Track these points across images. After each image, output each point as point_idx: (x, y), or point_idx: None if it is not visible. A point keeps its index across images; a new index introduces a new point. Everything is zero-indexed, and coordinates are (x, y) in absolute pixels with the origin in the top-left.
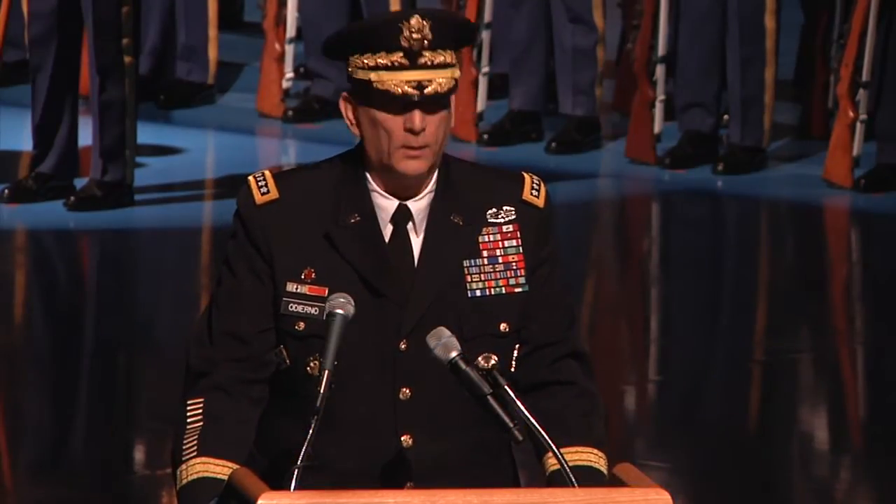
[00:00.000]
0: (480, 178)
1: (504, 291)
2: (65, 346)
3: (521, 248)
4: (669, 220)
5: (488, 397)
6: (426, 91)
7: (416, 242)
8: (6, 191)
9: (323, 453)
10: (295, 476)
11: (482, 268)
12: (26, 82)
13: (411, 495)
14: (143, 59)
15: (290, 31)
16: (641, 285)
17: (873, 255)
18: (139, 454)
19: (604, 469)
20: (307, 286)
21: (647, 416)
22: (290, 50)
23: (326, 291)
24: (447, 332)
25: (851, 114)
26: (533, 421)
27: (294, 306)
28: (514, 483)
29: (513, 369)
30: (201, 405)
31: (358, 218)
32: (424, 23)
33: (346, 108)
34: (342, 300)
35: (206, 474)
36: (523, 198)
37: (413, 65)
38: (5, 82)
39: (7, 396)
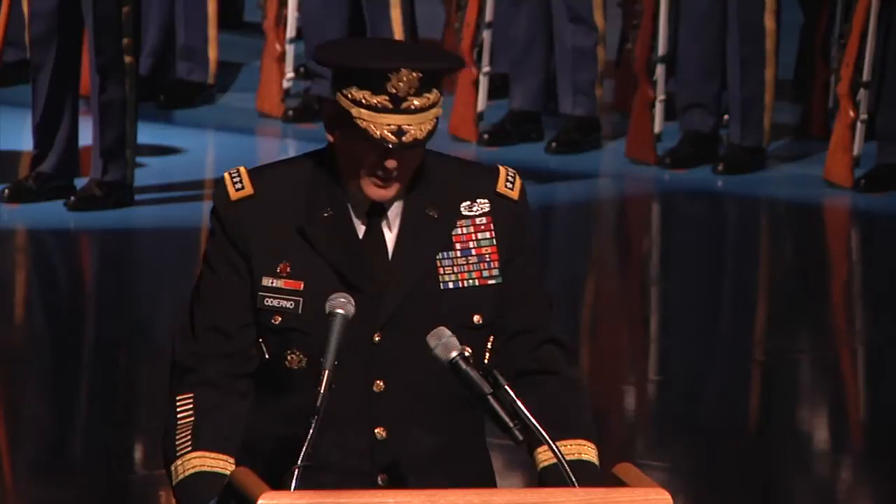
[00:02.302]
0: (455, 170)
1: (477, 283)
2: (65, 346)
3: (494, 241)
4: (669, 220)
5: (489, 397)
6: (404, 139)
7: (391, 236)
8: (6, 191)
9: (298, 443)
10: (295, 476)
11: (455, 260)
12: (26, 82)
13: (412, 495)
14: (144, 59)
15: (291, 31)
16: (641, 285)
17: (873, 255)
18: (139, 454)
19: (595, 459)
20: (283, 280)
21: (647, 416)
22: (290, 50)
23: (302, 285)
24: (447, 332)
25: (851, 114)
26: (534, 421)
27: (270, 300)
28: (489, 477)
29: (486, 360)
30: (191, 400)
31: (331, 212)
32: (414, 74)
33: (324, 113)
34: (342, 300)
35: (203, 468)
36: (497, 190)
37: (396, 109)
38: (5, 82)
39: (7, 396)
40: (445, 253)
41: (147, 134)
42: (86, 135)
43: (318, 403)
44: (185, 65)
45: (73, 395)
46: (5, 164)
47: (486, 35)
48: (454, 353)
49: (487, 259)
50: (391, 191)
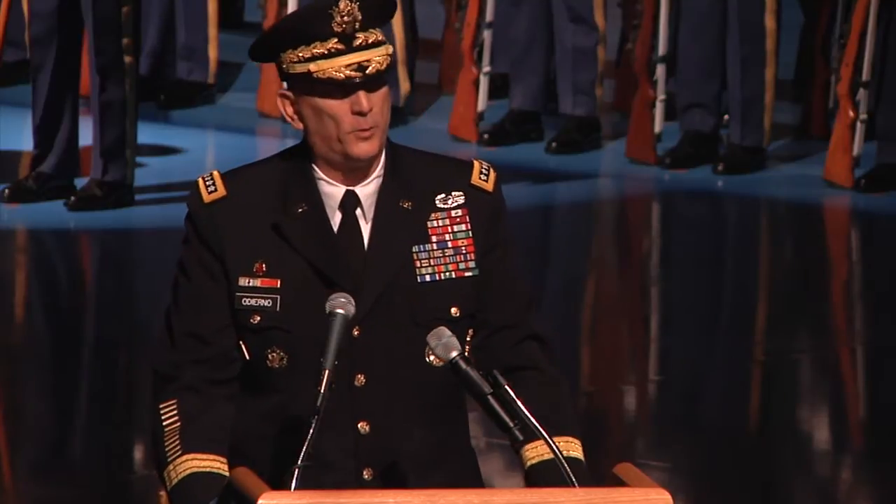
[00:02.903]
0: (429, 163)
1: (454, 276)
2: (65, 346)
3: (470, 233)
4: (669, 220)
5: (489, 397)
6: (368, 71)
7: (366, 228)
8: (6, 191)
9: (284, 442)
10: (295, 476)
11: (431, 253)
12: (26, 82)
13: (412, 495)
14: (143, 59)
15: None
16: (641, 285)
17: (873, 255)
18: (139, 454)
19: (581, 455)
20: (259, 279)
21: (647, 416)
22: None
23: (279, 283)
24: (447, 332)
25: (851, 114)
26: (534, 421)
27: (248, 300)
28: (474, 472)
29: (465, 353)
30: (175, 406)
31: (305, 207)
32: (353, 5)
33: (283, 105)
34: (342, 300)
35: (197, 469)
36: (472, 182)
37: (349, 48)
38: (5, 82)
39: (7, 396)
40: (422, 246)
41: (147, 134)
42: (86, 135)
43: (319, 403)
44: (185, 65)
45: (73, 395)
46: (5, 164)
47: (487, 35)
48: (454, 353)
49: (464, 251)
50: (375, 142)
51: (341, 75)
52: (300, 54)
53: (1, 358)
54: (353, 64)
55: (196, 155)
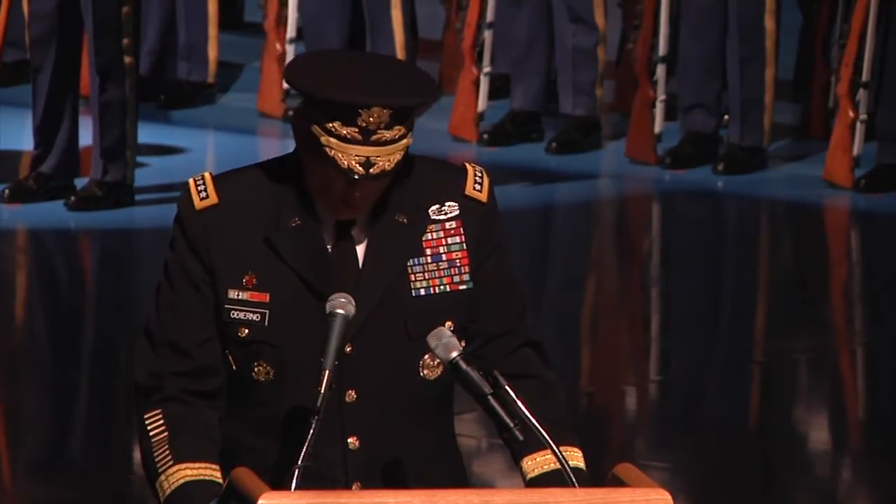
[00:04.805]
0: (423, 172)
1: (448, 289)
2: (65, 346)
3: (464, 245)
4: (670, 221)
5: (489, 397)
6: (371, 170)
7: (361, 243)
8: (7, 191)
9: (272, 455)
10: (295, 476)
11: (426, 266)
12: (26, 82)
13: (412, 495)
14: (143, 59)
15: (291, 31)
16: (642, 285)
17: (873, 255)
18: (139, 454)
19: (583, 464)
20: (248, 293)
21: (647, 416)
22: (290, 50)
23: (268, 297)
24: (447, 333)
25: (851, 114)
26: (534, 422)
27: (236, 313)
28: (461, 480)
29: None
30: (160, 416)
31: (298, 221)
32: (384, 111)
33: (293, 122)
34: (343, 300)
35: (189, 478)
36: (466, 193)
37: (366, 140)
38: (5, 82)
39: (7, 396)
40: (416, 259)
41: (147, 134)
42: (86, 135)
43: (319, 403)
44: (185, 65)
45: (73, 395)
46: (5, 164)
47: (488, 35)
48: (454, 353)
49: (458, 264)
50: (357, 212)
51: (345, 163)
52: (321, 118)
53: (1, 358)
54: (362, 157)
55: (196, 155)
